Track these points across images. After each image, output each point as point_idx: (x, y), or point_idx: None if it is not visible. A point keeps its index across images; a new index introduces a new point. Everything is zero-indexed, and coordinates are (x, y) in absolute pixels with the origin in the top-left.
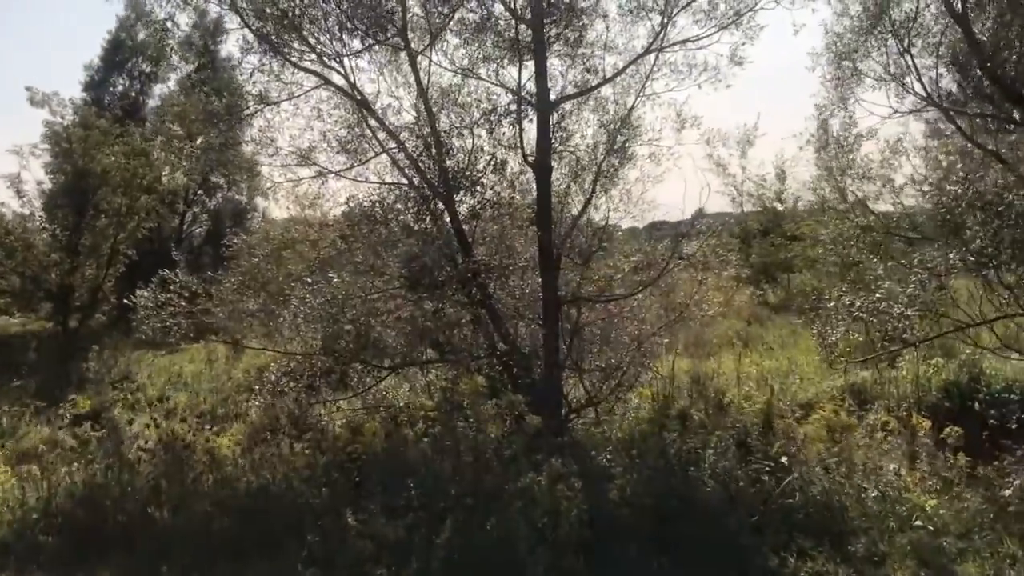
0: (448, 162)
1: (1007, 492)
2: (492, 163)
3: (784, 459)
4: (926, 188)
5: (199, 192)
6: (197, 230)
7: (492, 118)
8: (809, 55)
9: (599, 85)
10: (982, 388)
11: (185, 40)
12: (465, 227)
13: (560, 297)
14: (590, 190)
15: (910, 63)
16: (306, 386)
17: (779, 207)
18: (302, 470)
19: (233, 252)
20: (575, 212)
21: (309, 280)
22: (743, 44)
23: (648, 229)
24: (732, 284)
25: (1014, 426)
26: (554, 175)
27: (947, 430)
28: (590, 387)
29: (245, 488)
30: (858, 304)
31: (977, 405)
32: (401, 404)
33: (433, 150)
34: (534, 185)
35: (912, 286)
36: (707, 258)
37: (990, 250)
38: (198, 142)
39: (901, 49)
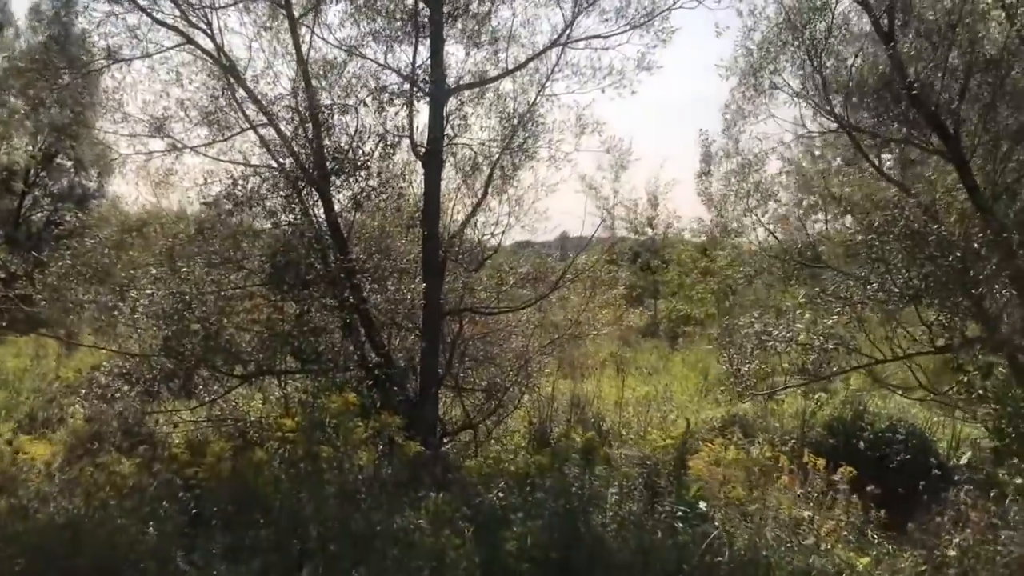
0: (327, 142)
1: (950, 552)
2: (381, 144)
3: (702, 504)
4: (835, 215)
5: (42, 173)
6: (37, 214)
7: (381, 98)
8: (717, 66)
9: (499, 77)
10: (866, 426)
11: (33, 7)
12: (341, 220)
13: (443, 307)
14: (482, 190)
15: (819, 82)
16: (143, 391)
17: (649, 231)
18: (127, 496)
19: (64, 231)
20: (464, 213)
21: (154, 270)
22: (654, 47)
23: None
24: (620, 303)
25: (892, 465)
26: (445, 172)
27: (842, 470)
28: (470, 407)
29: (48, 519)
30: (775, 333)
31: (861, 444)
32: (253, 418)
33: (310, 128)
34: (422, 179)
35: (834, 317)
36: (599, 274)
37: (915, 282)
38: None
39: (813, 67)
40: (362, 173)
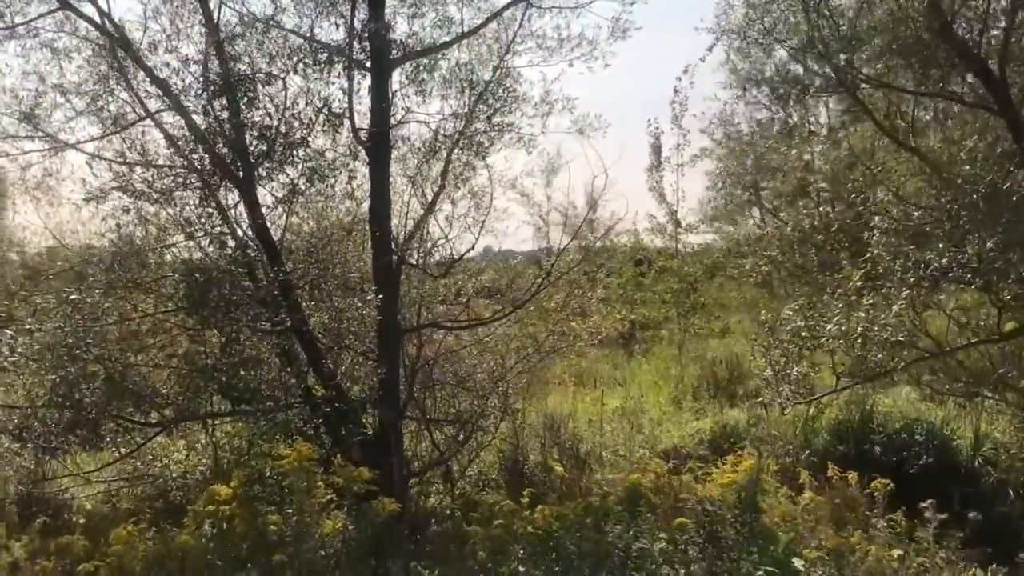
0: (249, 121)
1: None
2: (323, 114)
3: (797, 562)
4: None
5: None
6: None
7: (311, 68)
8: (697, 28)
9: (453, 42)
10: (877, 429)
11: None
12: (271, 225)
13: (401, 324)
14: (440, 181)
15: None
16: (40, 448)
17: (590, 236)
18: None
19: None
20: (421, 209)
21: (38, 299)
22: (631, 3)
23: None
24: (602, 309)
25: (912, 470)
26: (395, 162)
27: (876, 483)
28: (439, 440)
29: None
30: (829, 328)
31: (877, 449)
32: (175, 474)
33: (225, 111)
34: (367, 171)
35: (901, 302)
36: (578, 279)
37: (993, 254)
38: None
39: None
40: (297, 154)
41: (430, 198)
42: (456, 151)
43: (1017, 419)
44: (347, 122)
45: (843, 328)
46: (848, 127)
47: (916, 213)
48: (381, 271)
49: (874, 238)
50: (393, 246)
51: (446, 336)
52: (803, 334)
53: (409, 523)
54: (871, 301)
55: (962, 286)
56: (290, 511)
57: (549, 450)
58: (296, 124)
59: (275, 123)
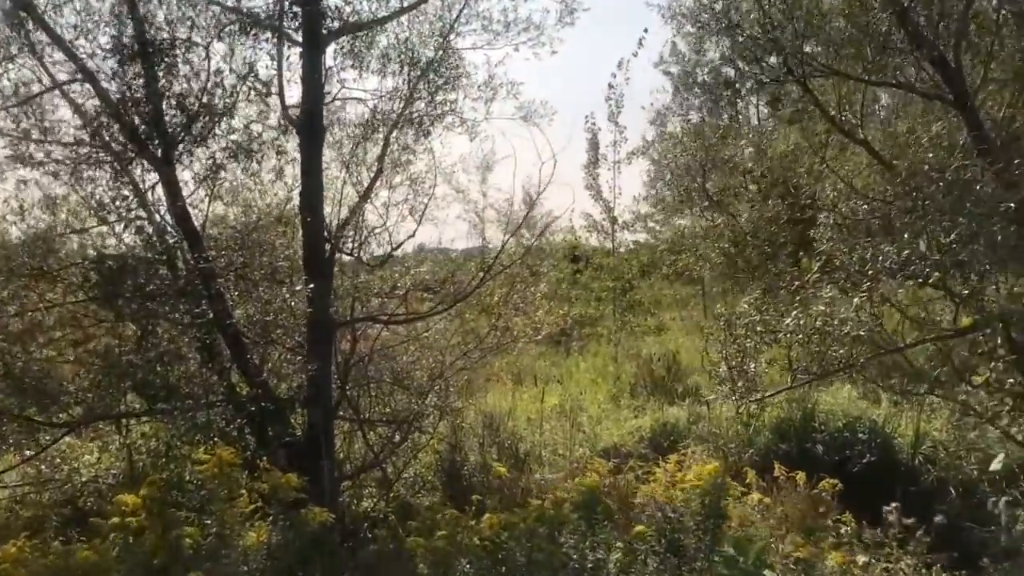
0: (165, 91)
1: None
2: (248, 83)
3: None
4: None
5: None
6: None
7: (237, 39)
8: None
9: (393, 16)
10: (819, 427)
11: None
12: (192, 209)
13: (334, 317)
14: (377, 165)
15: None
16: None
17: (526, 234)
18: None
19: None
20: (357, 195)
21: None
22: None
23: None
24: (544, 304)
25: (855, 469)
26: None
27: (825, 483)
28: (374, 441)
29: None
30: (786, 322)
31: (820, 448)
32: (86, 478)
33: (140, 81)
34: (298, 154)
35: (861, 295)
36: (520, 273)
37: (955, 246)
38: None
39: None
40: (220, 127)
41: (366, 184)
42: (395, 133)
43: (954, 417)
44: (277, 100)
45: (801, 322)
46: (796, 121)
47: (865, 206)
48: (312, 260)
49: (819, 232)
50: (326, 234)
51: (382, 331)
52: (758, 328)
53: (341, 531)
54: (829, 295)
55: (919, 280)
56: (209, 522)
57: (488, 450)
58: (219, 94)
59: (196, 93)
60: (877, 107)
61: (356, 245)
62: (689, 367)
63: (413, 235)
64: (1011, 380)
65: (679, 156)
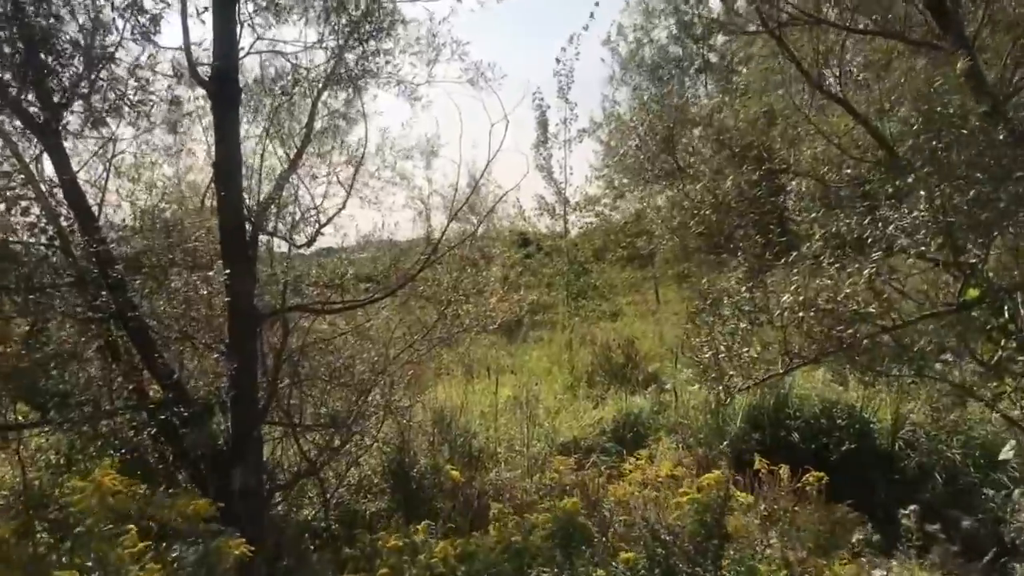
0: (42, 37)
1: None
2: (138, 18)
3: None
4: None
5: None
6: None
7: None
8: None
9: None
10: (793, 414)
11: None
12: (92, 189)
13: (258, 307)
14: (304, 132)
15: None
16: None
17: (473, 219)
18: None
19: None
20: (282, 167)
21: None
22: None
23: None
24: (498, 289)
25: (833, 457)
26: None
27: (809, 477)
28: (309, 446)
29: None
30: (784, 300)
31: (796, 436)
32: None
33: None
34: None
35: (871, 267)
36: (471, 256)
37: (972, 209)
38: None
39: None
40: (102, 76)
41: (293, 154)
42: (326, 95)
43: (932, 399)
44: (183, 55)
45: (801, 299)
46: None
47: (848, 171)
48: (231, 242)
49: (799, 203)
50: (247, 212)
51: (314, 322)
52: (744, 308)
53: (275, 547)
54: (834, 267)
55: (923, 249)
56: (90, 564)
57: (439, 449)
58: (110, 36)
59: (83, 37)
60: (855, 64)
61: (287, 227)
62: (649, 353)
63: (344, 206)
64: (1021, 359)
65: (643, 121)
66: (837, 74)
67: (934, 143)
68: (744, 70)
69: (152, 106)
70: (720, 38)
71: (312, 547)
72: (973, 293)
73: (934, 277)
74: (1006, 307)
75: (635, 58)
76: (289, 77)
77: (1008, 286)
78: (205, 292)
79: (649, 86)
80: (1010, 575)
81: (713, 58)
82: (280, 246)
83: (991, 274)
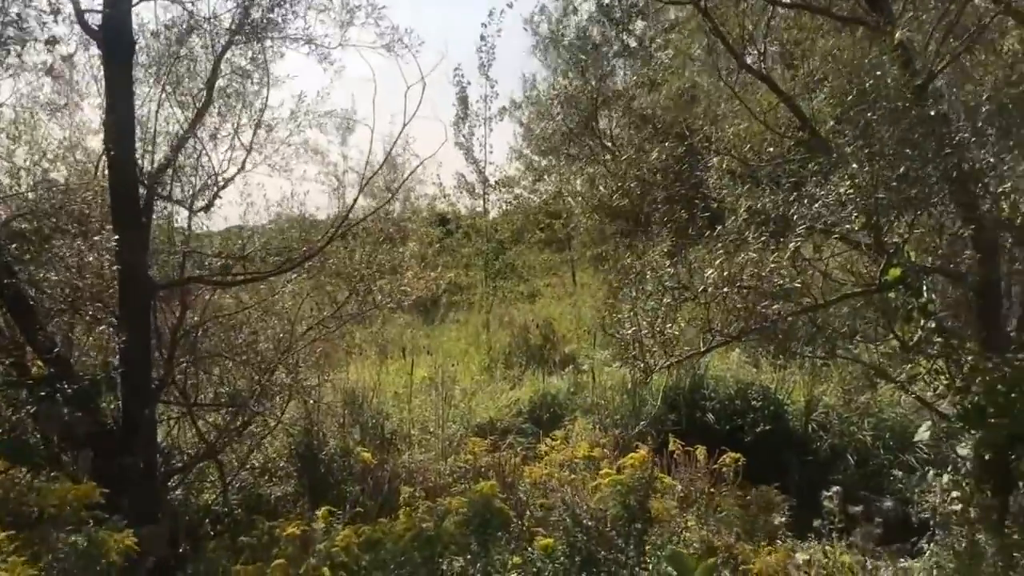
0: None
1: None
2: None
3: None
4: None
5: None
6: None
7: None
8: None
9: None
10: (709, 395)
11: None
12: None
13: (153, 278)
14: (205, 92)
15: None
16: None
17: (388, 195)
18: None
19: None
20: (182, 129)
21: None
22: None
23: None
24: (414, 265)
25: (748, 439)
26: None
27: (726, 457)
28: (208, 428)
29: None
30: (710, 274)
31: (711, 416)
32: None
33: None
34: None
35: (796, 243)
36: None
37: (901, 185)
38: None
39: None
40: None
41: (193, 114)
42: (230, 52)
43: (844, 381)
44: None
45: (725, 274)
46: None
47: (771, 149)
48: (122, 207)
49: (719, 180)
50: (141, 175)
51: (218, 297)
52: (667, 283)
53: (170, 533)
54: (758, 245)
55: (847, 227)
56: None
57: (350, 430)
58: None
59: None
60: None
61: (188, 193)
62: (566, 335)
63: (243, 167)
64: (938, 340)
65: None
66: (762, 50)
67: (868, 115)
68: (663, 55)
69: (25, 44)
70: (640, 23)
71: (211, 533)
72: (895, 273)
73: (856, 257)
74: (925, 287)
75: (556, 38)
76: (185, 25)
77: (931, 267)
78: (92, 260)
79: (568, 69)
80: (920, 555)
81: (632, 43)
82: (183, 215)
83: (911, 254)
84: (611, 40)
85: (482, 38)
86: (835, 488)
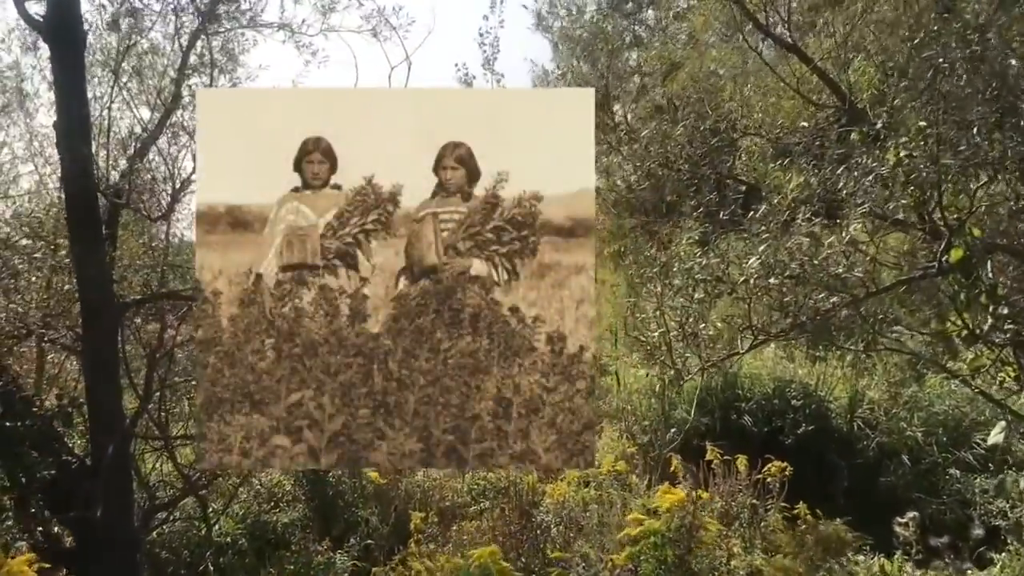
0: None
1: None
2: None
3: None
4: None
5: None
6: None
7: None
8: None
9: None
10: (744, 395)
11: None
12: None
13: (117, 294)
14: (173, 88)
15: None
16: None
17: None
18: None
19: None
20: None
21: None
22: None
23: None
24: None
25: (788, 441)
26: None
27: (771, 467)
28: (188, 463)
29: None
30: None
31: (748, 419)
32: None
33: None
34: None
35: (855, 226)
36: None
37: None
38: None
39: None
40: None
41: (162, 109)
42: (199, 44)
43: (889, 374)
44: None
45: (773, 262)
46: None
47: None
48: (77, 216)
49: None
50: (100, 183)
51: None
52: (697, 276)
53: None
54: (809, 228)
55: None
56: None
57: None
58: None
59: None
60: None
61: (151, 197)
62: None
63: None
64: (1010, 327)
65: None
66: (786, 19)
67: (941, 61)
68: (681, 34)
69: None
70: (650, 12)
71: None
72: (958, 253)
73: (911, 238)
74: (988, 269)
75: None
76: (148, 15)
77: (1000, 244)
78: (38, 277)
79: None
80: (990, 565)
81: (643, 34)
82: (159, 226)
83: (975, 231)
84: (622, 33)
85: (482, 34)
86: (910, 513)
